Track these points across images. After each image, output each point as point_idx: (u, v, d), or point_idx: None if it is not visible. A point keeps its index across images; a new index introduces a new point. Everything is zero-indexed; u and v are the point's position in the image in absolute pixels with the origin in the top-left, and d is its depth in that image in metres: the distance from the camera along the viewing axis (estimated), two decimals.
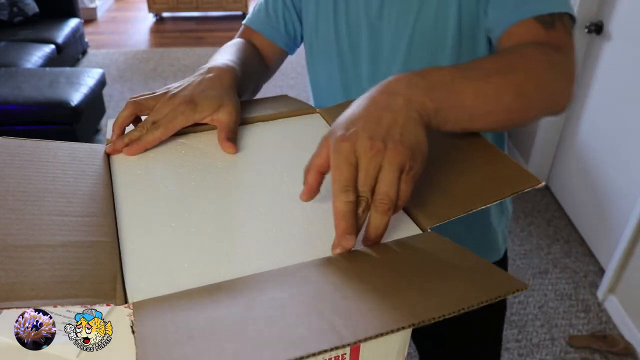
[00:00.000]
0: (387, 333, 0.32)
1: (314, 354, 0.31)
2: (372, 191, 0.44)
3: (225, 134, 0.59)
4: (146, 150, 0.59)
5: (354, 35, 0.76)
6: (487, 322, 0.95)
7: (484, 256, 0.41)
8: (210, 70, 0.65)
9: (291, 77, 3.60)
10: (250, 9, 0.89)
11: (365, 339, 0.32)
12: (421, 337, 0.98)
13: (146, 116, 0.61)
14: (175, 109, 0.59)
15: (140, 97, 0.62)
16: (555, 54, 0.59)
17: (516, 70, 0.55)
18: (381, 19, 0.73)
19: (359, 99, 0.49)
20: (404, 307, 0.36)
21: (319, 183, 0.48)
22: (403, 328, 0.33)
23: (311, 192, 0.48)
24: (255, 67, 0.78)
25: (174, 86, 0.63)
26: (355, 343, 0.32)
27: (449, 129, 0.52)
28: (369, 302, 0.37)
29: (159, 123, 0.59)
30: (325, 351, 0.31)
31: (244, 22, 0.86)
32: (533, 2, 0.63)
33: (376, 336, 0.32)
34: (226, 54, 0.72)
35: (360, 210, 0.43)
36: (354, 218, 0.43)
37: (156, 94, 0.62)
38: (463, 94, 0.51)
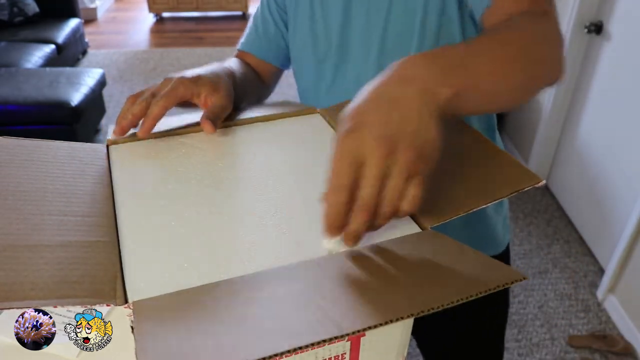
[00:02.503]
0: (386, 323, 0.33)
1: (312, 344, 0.31)
2: (376, 197, 0.41)
3: (207, 115, 0.60)
4: (156, 123, 0.59)
5: (329, 33, 0.77)
6: (492, 320, 0.95)
7: (483, 250, 0.41)
8: (211, 65, 0.68)
9: (291, 76, 3.59)
10: (250, 9, 0.90)
11: (364, 329, 0.32)
12: (425, 340, 0.98)
13: None
14: (175, 81, 0.60)
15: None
16: (544, 22, 0.58)
17: (513, 46, 0.52)
18: (351, 16, 0.73)
19: (369, 84, 0.44)
20: (404, 298, 0.36)
21: None
22: (402, 318, 0.33)
23: None
24: (252, 78, 0.80)
25: None
26: (354, 333, 0.32)
27: (464, 114, 0.49)
28: (368, 295, 0.37)
29: (160, 94, 0.59)
30: (324, 341, 0.31)
31: (237, 47, 0.88)
32: None
33: (375, 326, 0.32)
34: (225, 65, 0.74)
35: (361, 220, 0.41)
36: (341, 220, 0.41)
37: None
38: (477, 76, 0.48)
